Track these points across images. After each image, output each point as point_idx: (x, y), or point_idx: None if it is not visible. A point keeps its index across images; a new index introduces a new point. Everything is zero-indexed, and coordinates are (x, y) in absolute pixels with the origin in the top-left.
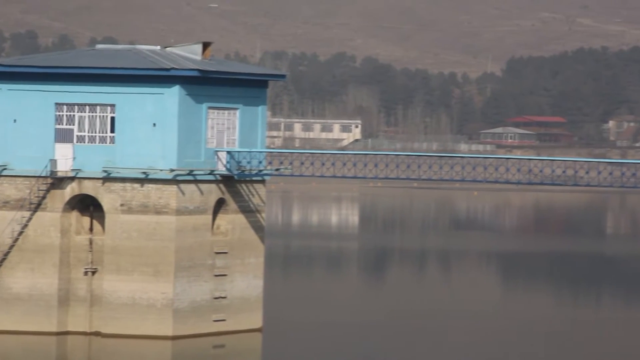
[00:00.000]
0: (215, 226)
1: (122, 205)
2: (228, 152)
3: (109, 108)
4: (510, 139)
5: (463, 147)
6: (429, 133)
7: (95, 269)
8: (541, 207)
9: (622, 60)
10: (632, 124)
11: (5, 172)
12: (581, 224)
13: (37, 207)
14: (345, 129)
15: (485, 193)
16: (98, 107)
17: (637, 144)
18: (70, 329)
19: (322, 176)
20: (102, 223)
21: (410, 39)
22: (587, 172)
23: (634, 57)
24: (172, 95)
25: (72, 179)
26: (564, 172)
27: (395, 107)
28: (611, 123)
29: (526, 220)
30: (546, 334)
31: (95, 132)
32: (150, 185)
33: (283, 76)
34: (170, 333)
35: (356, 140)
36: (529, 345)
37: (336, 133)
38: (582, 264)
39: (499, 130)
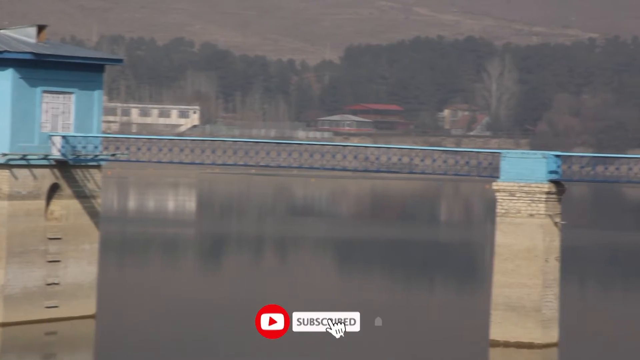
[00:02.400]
0: (48, 212)
1: None
2: (63, 137)
3: None
4: (348, 126)
5: (301, 134)
6: (268, 120)
7: None
8: (377, 194)
9: (457, 50)
10: (466, 113)
11: None
12: (416, 211)
13: None
14: (183, 114)
15: (322, 180)
16: None
17: (471, 133)
18: None
19: (159, 162)
20: None
21: (249, 25)
22: (422, 160)
23: (469, 47)
24: (5, 78)
25: None
26: (400, 159)
27: (234, 93)
28: (446, 112)
29: (363, 207)
30: (381, 319)
31: None
32: None
33: (120, 60)
34: (0, 320)
35: (194, 126)
36: (364, 330)
37: (174, 119)
38: (417, 250)
39: (336, 117)
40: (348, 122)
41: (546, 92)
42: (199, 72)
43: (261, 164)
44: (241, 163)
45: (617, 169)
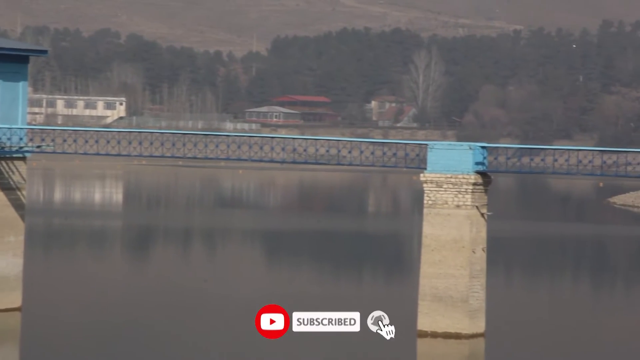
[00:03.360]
0: None
1: None
2: None
3: None
4: (276, 118)
5: (228, 125)
6: (195, 111)
7: None
8: (305, 185)
9: (384, 42)
10: (393, 105)
11: None
12: (344, 203)
13: None
14: (110, 106)
15: (250, 172)
16: None
17: (399, 125)
18: None
19: (85, 154)
20: None
21: (176, 17)
22: (350, 152)
23: (396, 39)
24: None
25: None
26: (327, 151)
27: (161, 84)
28: (373, 103)
29: (291, 198)
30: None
31: None
32: None
33: (45, 52)
34: None
35: (121, 118)
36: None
37: (100, 110)
38: (345, 241)
39: (264, 109)
40: (276, 113)
41: (472, 84)
42: (125, 63)
43: (188, 155)
44: (168, 155)
45: (542, 160)
